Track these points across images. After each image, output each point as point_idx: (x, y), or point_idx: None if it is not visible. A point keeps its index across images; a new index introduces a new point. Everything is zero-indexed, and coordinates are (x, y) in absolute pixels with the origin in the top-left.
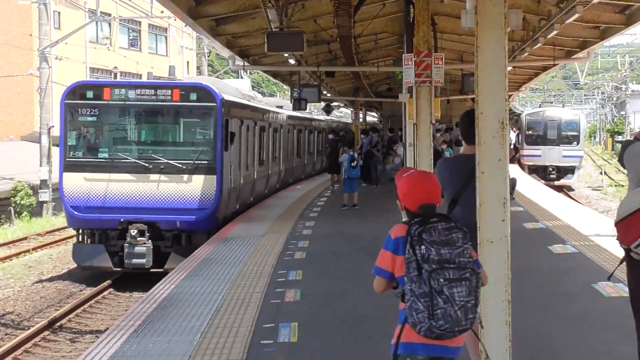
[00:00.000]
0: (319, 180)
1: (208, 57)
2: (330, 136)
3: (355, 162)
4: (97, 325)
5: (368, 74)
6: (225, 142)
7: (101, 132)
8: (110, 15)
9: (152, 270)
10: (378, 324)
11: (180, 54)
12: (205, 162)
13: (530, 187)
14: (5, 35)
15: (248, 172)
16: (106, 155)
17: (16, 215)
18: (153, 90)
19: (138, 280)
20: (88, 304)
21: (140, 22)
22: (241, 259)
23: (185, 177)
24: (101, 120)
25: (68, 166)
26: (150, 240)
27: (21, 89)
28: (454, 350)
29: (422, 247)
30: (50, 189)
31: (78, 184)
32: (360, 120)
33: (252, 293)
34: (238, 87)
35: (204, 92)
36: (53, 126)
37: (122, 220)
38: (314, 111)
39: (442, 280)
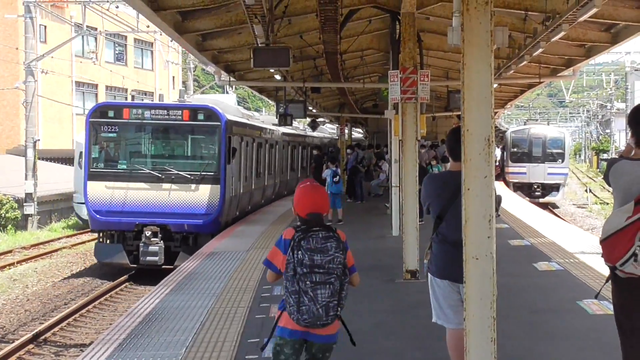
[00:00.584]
0: None
1: (194, 71)
2: (315, 152)
3: (338, 177)
4: (82, 339)
5: (354, 90)
6: (227, 157)
7: (120, 147)
8: (96, 29)
9: (163, 266)
10: (367, 339)
11: (165, 69)
12: (210, 173)
13: (516, 204)
14: None
15: (247, 183)
16: (125, 166)
17: (1, 228)
18: (166, 111)
19: (152, 275)
20: (73, 317)
21: (126, 37)
22: (226, 274)
23: (193, 186)
24: (120, 136)
25: (92, 176)
26: (162, 241)
27: (7, 102)
28: (323, 337)
29: (299, 252)
30: (35, 203)
31: (100, 191)
32: (346, 136)
33: (237, 308)
34: (239, 107)
35: (210, 113)
36: (38, 140)
37: (137, 223)
38: (307, 129)
39: (308, 282)
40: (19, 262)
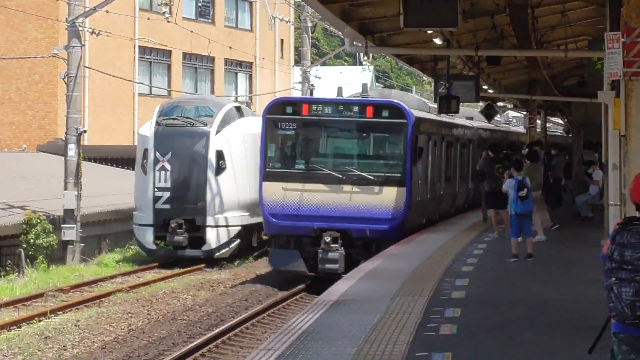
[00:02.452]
0: None
1: (312, 33)
2: (488, 153)
3: (526, 190)
4: None
5: (550, 61)
6: (414, 157)
7: (298, 145)
8: None
9: (343, 275)
10: None
11: (271, 30)
12: (395, 175)
13: None
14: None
15: (434, 188)
16: (303, 166)
17: (28, 260)
18: (348, 107)
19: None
20: None
21: None
22: (359, 334)
23: (376, 188)
24: (299, 134)
25: (267, 176)
26: (342, 247)
27: (40, 77)
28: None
29: (613, 246)
30: (79, 224)
31: (276, 193)
32: (538, 129)
33: None
34: (425, 100)
35: (396, 110)
36: (84, 131)
37: (316, 227)
38: (513, 121)
39: (614, 279)
40: (53, 311)
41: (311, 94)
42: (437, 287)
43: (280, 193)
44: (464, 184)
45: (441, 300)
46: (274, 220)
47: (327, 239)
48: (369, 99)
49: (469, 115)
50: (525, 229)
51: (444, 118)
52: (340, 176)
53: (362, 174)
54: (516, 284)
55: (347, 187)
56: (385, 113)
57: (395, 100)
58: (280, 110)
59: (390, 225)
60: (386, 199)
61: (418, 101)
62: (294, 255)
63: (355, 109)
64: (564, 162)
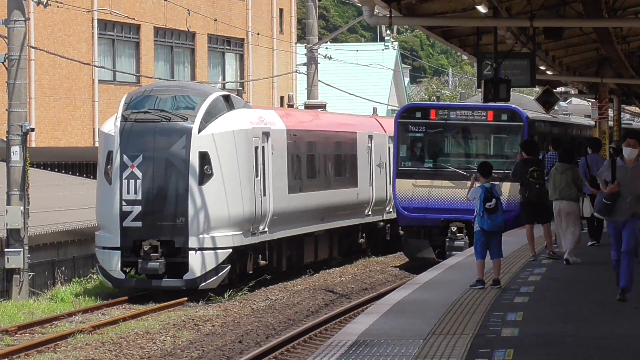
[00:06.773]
0: None
1: (320, 0)
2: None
3: (494, 200)
4: None
5: (626, 32)
6: None
7: (427, 146)
8: None
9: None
10: None
11: None
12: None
13: None
14: None
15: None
16: (431, 165)
17: None
18: (470, 112)
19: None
20: None
21: None
22: None
23: (497, 184)
24: (427, 136)
25: (400, 174)
26: (467, 236)
27: None
28: None
29: None
30: (26, 247)
31: (408, 189)
32: (610, 119)
33: None
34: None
35: (513, 114)
36: (32, 129)
37: (443, 219)
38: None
39: None
40: None
41: (438, 100)
42: (484, 320)
43: (411, 189)
44: None
45: (488, 339)
46: (405, 212)
47: (454, 228)
48: (489, 104)
49: (587, 114)
50: (492, 249)
51: (559, 118)
52: (464, 173)
53: None
54: (583, 317)
55: (470, 183)
56: (504, 117)
57: (513, 105)
58: (410, 115)
59: (507, 217)
60: (504, 193)
61: (533, 104)
62: (425, 244)
63: (477, 113)
64: None
